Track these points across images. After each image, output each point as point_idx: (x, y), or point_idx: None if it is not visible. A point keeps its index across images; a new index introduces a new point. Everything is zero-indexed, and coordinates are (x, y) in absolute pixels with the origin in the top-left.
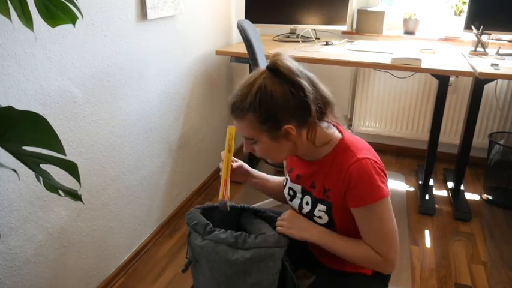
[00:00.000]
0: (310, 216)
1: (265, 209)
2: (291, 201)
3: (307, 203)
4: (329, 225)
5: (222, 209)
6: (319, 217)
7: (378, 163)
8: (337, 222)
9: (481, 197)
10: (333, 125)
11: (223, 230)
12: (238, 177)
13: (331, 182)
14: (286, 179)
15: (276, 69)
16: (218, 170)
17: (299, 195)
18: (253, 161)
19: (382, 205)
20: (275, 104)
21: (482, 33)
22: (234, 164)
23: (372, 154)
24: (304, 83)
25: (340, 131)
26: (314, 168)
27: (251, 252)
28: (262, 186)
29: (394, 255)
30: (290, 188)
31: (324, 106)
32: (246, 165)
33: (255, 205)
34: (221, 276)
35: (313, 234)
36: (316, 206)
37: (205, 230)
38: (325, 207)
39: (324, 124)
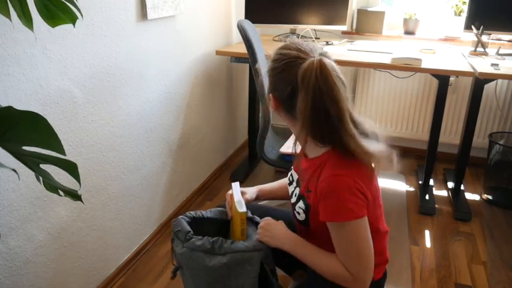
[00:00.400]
0: (294, 207)
1: (263, 206)
2: (289, 186)
3: (295, 194)
4: (305, 224)
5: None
6: (298, 213)
7: (357, 183)
8: (312, 224)
9: (481, 197)
10: None
11: (200, 236)
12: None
13: (312, 185)
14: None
15: (320, 65)
16: (218, 170)
17: (294, 184)
18: (253, 161)
19: (352, 226)
20: (275, 74)
21: (482, 33)
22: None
23: (352, 175)
24: (308, 98)
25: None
26: (306, 165)
27: (227, 257)
28: (273, 198)
29: (365, 275)
30: (291, 174)
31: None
32: (250, 198)
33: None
34: (202, 282)
35: (285, 243)
36: (299, 201)
37: (185, 238)
38: (304, 206)
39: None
